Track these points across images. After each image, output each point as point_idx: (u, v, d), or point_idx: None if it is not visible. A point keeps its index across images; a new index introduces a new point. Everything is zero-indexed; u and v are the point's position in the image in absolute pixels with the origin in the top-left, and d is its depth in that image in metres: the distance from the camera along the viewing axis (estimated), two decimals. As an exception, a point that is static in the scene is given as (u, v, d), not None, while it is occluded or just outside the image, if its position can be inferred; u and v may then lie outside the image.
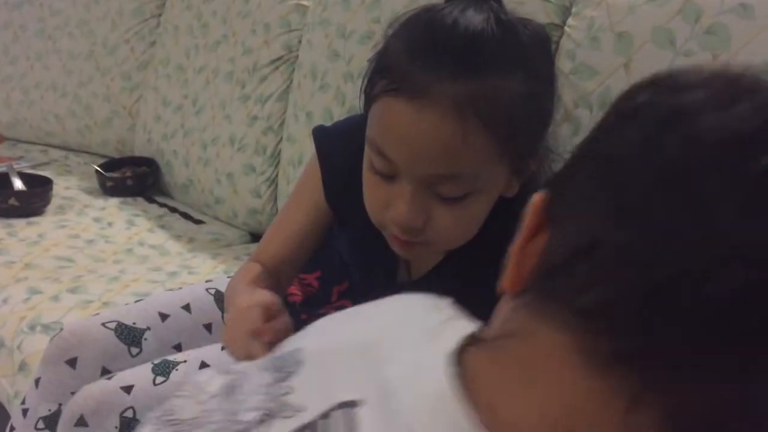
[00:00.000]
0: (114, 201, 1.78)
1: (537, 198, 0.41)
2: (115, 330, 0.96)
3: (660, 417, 0.34)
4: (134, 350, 0.97)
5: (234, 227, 1.69)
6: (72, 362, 0.95)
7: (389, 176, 0.73)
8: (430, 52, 0.70)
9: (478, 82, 0.68)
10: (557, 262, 0.38)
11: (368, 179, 0.76)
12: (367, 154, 0.76)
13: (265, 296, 0.73)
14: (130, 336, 0.97)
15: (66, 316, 1.16)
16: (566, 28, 1.10)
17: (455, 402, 0.37)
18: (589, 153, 0.40)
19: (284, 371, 0.43)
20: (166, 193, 1.88)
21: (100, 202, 1.77)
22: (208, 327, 1.01)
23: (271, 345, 0.67)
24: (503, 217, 0.81)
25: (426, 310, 0.46)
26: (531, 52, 0.73)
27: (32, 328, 1.14)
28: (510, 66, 0.70)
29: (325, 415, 0.39)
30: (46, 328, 1.14)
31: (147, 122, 1.94)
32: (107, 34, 2.03)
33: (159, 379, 0.89)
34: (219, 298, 1.02)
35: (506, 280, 0.41)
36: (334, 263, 0.92)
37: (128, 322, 0.97)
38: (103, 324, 0.97)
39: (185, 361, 0.91)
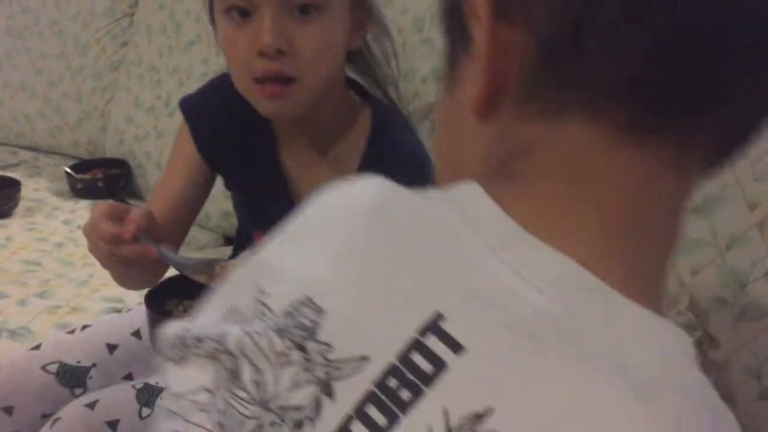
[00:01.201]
0: (84, 203, 1.74)
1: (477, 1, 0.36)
2: (57, 374, 0.89)
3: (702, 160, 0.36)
4: (77, 391, 0.90)
5: (206, 229, 1.66)
6: (8, 410, 0.87)
7: (246, 12, 0.79)
8: None
9: None
10: (564, 47, 0.34)
11: (226, 28, 0.82)
12: (219, 8, 0.82)
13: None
14: (73, 378, 0.90)
15: (33, 321, 1.13)
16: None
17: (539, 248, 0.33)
18: None
19: (300, 327, 0.35)
20: (138, 196, 1.85)
21: (70, 204, 1.73)
22: None
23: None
24: (389, 152, 0.87)
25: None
26: None
27: (-2, 333, 1.11)
28: None
29: (407, 350, 0.32)
30: (12, 333, 1.11)
31: (119, 123, 1.91)
32: (78, 33, 2.00)
33: (145, 410, 0.84)
34: None
35: (475, 100, 0.37)
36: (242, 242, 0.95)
37: (72, 361, 0.90)
38: (43, 367, 0.89)
39: None
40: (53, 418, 0.81)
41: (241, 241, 0.98)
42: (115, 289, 1.26)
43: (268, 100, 0.82)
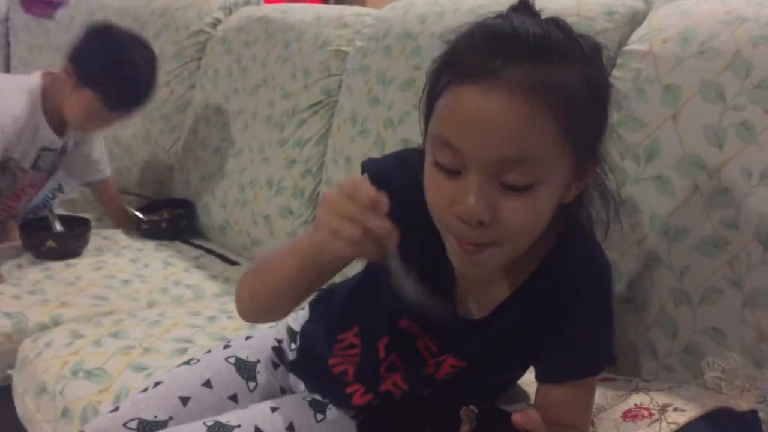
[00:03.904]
0: (151, 243, 1.79)
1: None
2: (137, 429, 0.91)
3: None
4: None
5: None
6: None
7: (454, 171, 0.73)
8: (499, 43, 0.72)
9: (544, 68, 0.70)
10: None
11: (432, 178, 0.75)
12: (430, 153, 0.75)
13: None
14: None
15: (108, 362, 1.16)
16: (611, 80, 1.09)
17: None
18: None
19: None
20: (202, 235, 1.89)
21: (138, 243, 1.78)
22: (234, 398, 0.97)
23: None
24: (570, 256, 0.82)
25: None
26: (591, 56, 0.75)
27: (75, 373, 1.14)
28: (574, 61, 0.73)
29: None
30: (88, 374, 1.14)
31: (185, 164, 1.96)
32: (147, 76, 2.07)
33: None
34: (240, 367, 0.99)
35: None
36: (373, 315, 0.89)
37: (149, 417, 0.92)
38: (125, 425, 0.91)
39: (239, 426, 0.88)
40: None
41: (372, 316, 0.89)
42: (185, 330, 1.28)
43: (462, 252, 0.76)
